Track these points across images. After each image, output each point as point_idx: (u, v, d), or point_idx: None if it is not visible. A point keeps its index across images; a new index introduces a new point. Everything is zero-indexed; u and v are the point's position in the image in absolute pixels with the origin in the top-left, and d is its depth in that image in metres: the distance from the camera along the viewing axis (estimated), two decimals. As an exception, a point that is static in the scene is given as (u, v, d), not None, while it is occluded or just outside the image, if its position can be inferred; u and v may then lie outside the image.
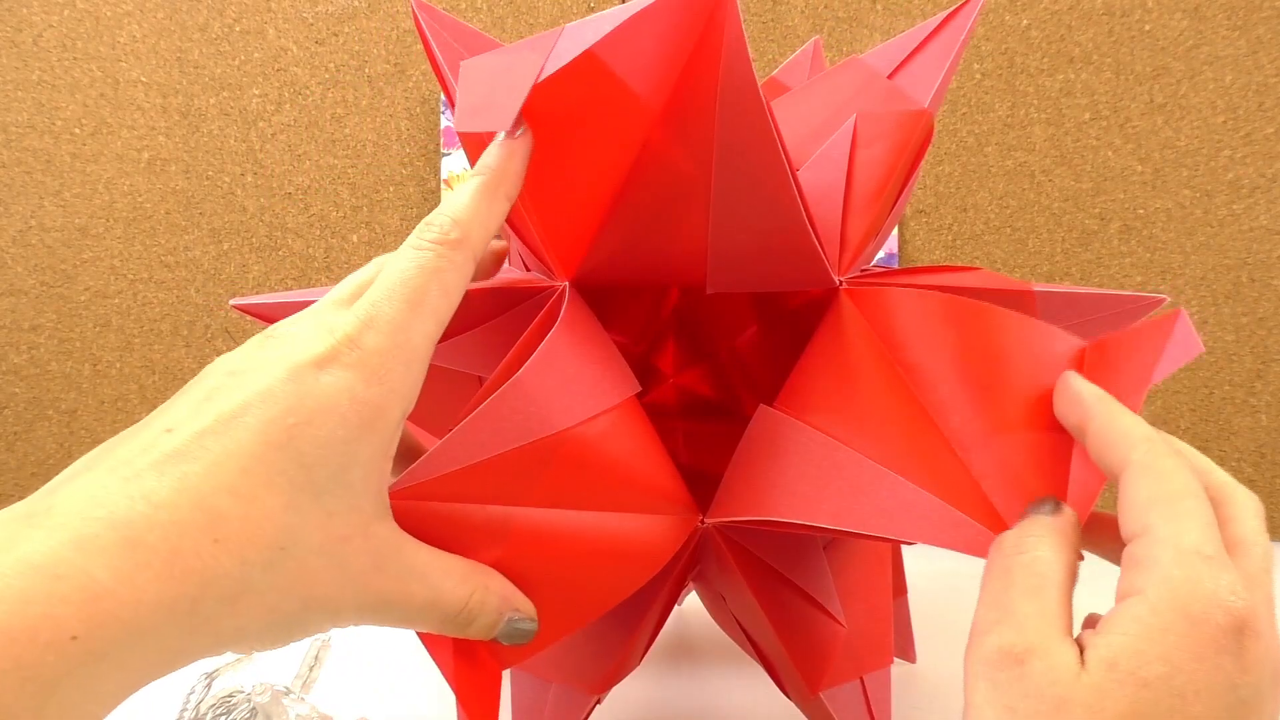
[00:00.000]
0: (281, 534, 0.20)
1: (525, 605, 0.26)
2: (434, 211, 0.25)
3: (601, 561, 0.27)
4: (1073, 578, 0.24)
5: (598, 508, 0.27)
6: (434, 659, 0.29)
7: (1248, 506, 0.24)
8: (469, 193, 0.25)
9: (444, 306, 0.24)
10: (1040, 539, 0.24)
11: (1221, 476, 0.25)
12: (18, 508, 0.19)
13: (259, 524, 0.20)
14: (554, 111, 0.25)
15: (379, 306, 0.23)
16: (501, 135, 0.25)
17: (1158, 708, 0.20)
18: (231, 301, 0.39)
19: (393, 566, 0.23)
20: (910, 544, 0.34)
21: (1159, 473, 0.23)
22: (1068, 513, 0.25)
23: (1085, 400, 0.26)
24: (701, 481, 0.33)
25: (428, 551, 0.24)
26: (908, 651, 0.49)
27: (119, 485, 0.19)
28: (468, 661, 0.28)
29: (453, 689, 0.28)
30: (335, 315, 0.23)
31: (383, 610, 0.23)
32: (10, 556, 0.17)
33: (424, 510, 0.24)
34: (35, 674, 0.16)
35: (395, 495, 0.24)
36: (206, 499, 0.19)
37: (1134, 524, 0.23)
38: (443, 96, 0.91)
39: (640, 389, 0.29)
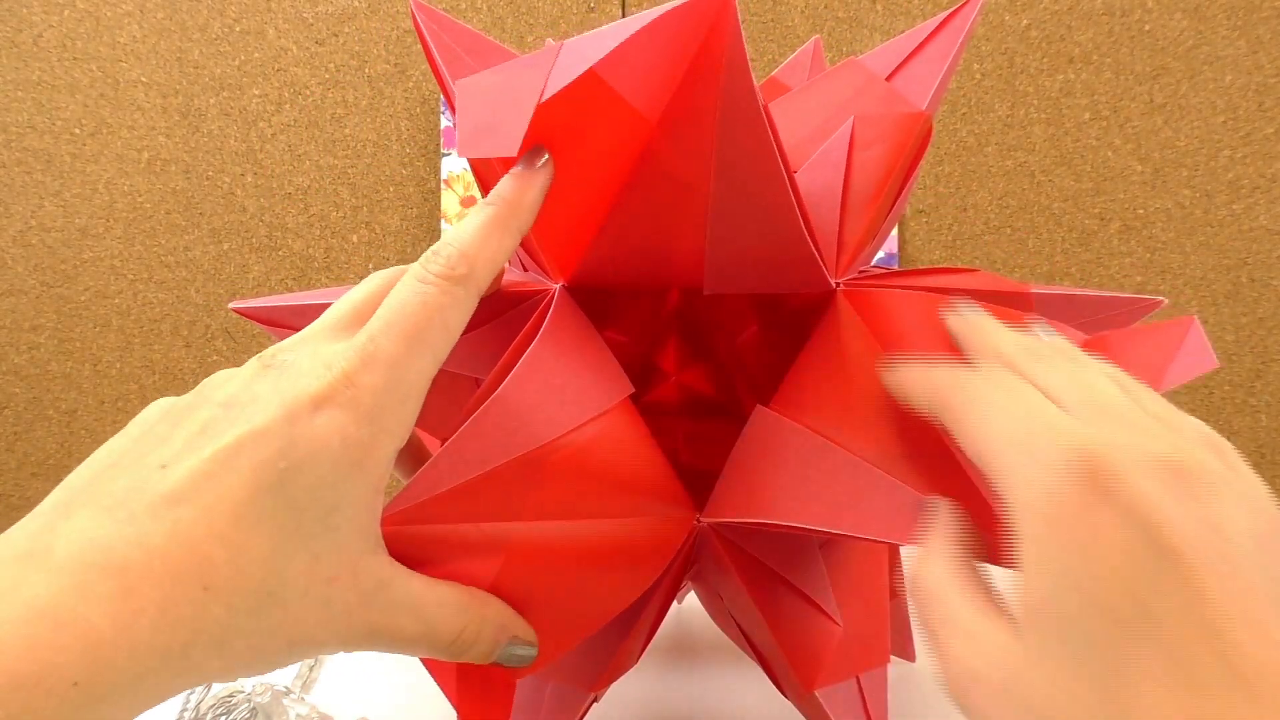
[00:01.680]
0: (269, 579, 0.21)
1: (524, 631, 0.26)
2: (441, 241, 0.25)
3: (601, 570, 0.27)
4: (969, 567, 0.23)
5: (593, 515, 0.27)
6: (436, 681, 0.29)
7: (1094, 368, 0.23)
8: (479, 224, 0.25)
9: (443, 343, 0.24)
10: (926, 560, 0.23)
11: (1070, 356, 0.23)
12: (18, 542, 0.20)
13: (247, 571, 0.20)
14: (553, 127, 0.25)
15: (377, 341, 0.23)
16: (520, 166, 0.25)
17: (1091, 625, 0.18)
18: (230, 305, 0.39)
19: (381, 601, 0.23)
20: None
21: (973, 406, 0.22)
22: (942, 510, 0.25)
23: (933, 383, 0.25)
24: (702, 480, 0.33)
25: (421, 582, 0.24)
26: (907, 650, 0.49)
27: (116, 529, 0.19)
28: (473, 680, 0.28)
29: (456, 709, 0.28)
30: (333, 347, 0.23)
31: (371, 641, 0.23)
32: (15, 600, 0.18)
33: (416, 534, 0.24)
34: (42, 718, 0.17)
35: (386, 520, 0.24)
36: (199, 546, 0.20)
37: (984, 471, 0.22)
38: (443, 97, 0.91)
39: (634, 390, 0.29)
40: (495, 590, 0.25)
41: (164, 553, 0.19)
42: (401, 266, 0.25)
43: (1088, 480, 0.19)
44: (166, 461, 0.21)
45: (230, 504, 0.20)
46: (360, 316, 0.24)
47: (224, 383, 0.23)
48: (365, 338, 0.23)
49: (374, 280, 0.26)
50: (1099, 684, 0.18)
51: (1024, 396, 0.22)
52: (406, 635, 0.24)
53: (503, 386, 0.25)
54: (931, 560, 0.23)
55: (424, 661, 0.28)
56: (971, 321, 0.26)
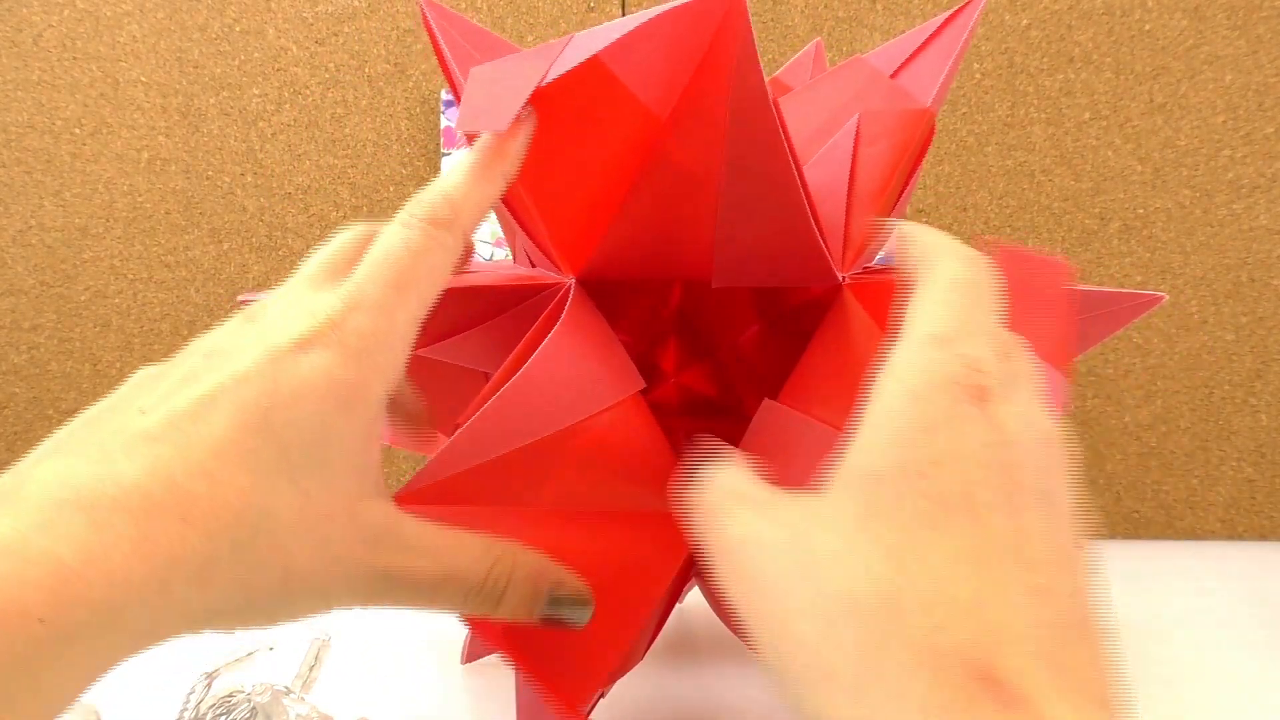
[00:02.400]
0: (252, 513, 0.20)
1: (569, 579, 0.25)
2: (426, 188, 0.24)
3: (619, 564, 0.27)
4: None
5: (606, 503, 0.27)
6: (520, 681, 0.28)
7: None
8: (463, 170, 0.24)
9: (429, 288, 0.23)
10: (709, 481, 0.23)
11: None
12: None
13: (228, 504, 0.20)
14: (559, 114, 0.25)
15: (363, 288, 0.22)
16: None
17: (897, 489, 0.18)
18: (240, 298, 0.39)
19: (389, 542, 0.22)
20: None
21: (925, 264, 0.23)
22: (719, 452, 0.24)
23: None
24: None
25: (436, 528, 0.23)
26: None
27: (88, 467, 0.19)
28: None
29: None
30: (317, 296, 0.23)
31: (384, 588, 0.22)
32: None
33: (434, 515, 0.24)
34: (4, 658, 0.16)
35: (403, 499, 0.23)
36: (177, 481, 0.19)
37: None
38: (443, 96, 0.91)
39: (644, 385, 0.29)
40: None
41: (139, 487, 0.19)
42: (375, 224, 0.25)
43: (968, 400, 0.19)
44: (146, 408, 0.20)
45: (211, 441, 0.20)
46: (337, 269, 0.24)
47: (207, 338, 0.23)
48: (352, 286, 0.23)
49: (348, 233, 0.26)
50: (893, 550, 0.17)
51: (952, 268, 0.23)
52: (426, 578, 0.23)
53: (523, 371, 0.25)
54: (718, 476, 0.22)
55: (504, 653, 0.27)
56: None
